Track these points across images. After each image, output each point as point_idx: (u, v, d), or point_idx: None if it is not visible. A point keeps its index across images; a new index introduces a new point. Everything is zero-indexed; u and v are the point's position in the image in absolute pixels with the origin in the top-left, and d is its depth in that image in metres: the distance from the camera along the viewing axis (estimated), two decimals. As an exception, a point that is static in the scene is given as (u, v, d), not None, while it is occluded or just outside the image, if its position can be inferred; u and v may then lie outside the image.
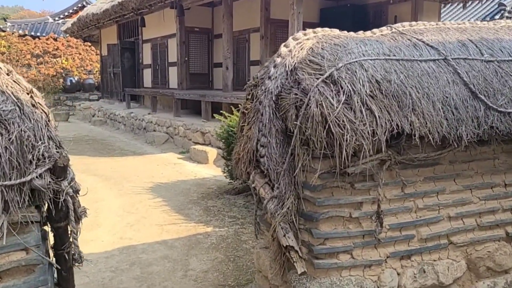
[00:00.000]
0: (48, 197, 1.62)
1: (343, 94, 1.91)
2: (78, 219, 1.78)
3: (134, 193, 5.87)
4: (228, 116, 5.70)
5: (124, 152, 9.10)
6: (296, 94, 2.07)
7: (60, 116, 15.02)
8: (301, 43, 2.25)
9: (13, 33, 20.18)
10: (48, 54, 20.50)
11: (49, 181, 1.55)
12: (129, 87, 14.30)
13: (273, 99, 2.21)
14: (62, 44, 21.06)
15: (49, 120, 1.69)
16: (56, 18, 24.58)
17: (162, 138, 10.03)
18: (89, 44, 21.65)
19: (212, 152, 7.92)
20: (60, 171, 1.56)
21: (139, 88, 14.14)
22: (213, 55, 12.36)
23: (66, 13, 24.76)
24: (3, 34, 19.92)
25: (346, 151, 1.82)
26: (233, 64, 9.86)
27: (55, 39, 21.13)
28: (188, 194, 5.86)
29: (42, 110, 1.66)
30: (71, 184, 1.69)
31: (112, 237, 4.32)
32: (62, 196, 1.60)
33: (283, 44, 2.34)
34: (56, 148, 1.67)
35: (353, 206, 2.11)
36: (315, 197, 2.05)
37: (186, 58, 11.84)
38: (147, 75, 14.02)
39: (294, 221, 2.08)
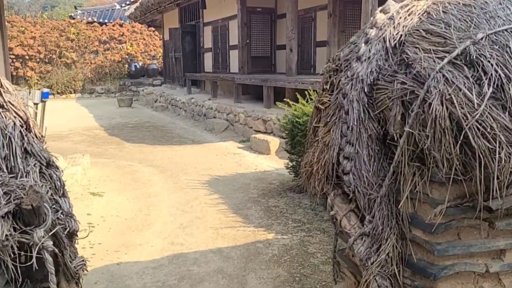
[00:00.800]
0: (9, 254, 1.05)
1: (489, 84, 1.17)
2: (73, 277, 1.21)
3: (190, 188, 5.42)
4: (293, 104, 5.02)
5: (183, 140, 8.74)
6: (403, 82, 1.36)
7: (123, 102, 15.12)
8: (409, 6, 1.52)
9: (81, 21, 20.70)
10: (114, 40, 20.85)
11: (8, 233, 1.00)
12: (190, 72, 14.01)
13: (365, 90, 1.52)
14: (127, 30, 21.32)
15: (29, 127, 1.14)
16: (123, 5, 24.98)
17: (222, 126, 9.57)
18: (153, 29, 21.75)
19: (274, 142, 7.30)
20: (29, 215, 1.00)
21: (199, 73, 13.81)
22: (276, 37, 11.65)
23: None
24: (72, 21, 20.50)
25: (497, 176, 1.10)
26: (297, 45, 9.10)
27: (121, 25, 21.43)
28: (247, 190, 5.30)
29: (16, 113, 1.11)
30: (56, 230, 1.11)
31: (162, 242, 3.85)
32: (35, 250, 1.03)
33: (380, 9, 1.63)
34: (42, 167, 1.11)
35: (490, 255, 1.38)
36: (432, 242, 1.35)
37: (248, 41, 11.24)
38: (208, 59, 13.63)
39: (397, 275, 1.40)
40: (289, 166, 5.05)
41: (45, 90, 4.90)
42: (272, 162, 6.77)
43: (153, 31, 21.78)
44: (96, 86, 19.44)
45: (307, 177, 1.93)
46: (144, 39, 21.62)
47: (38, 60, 18.33)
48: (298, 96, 5.16)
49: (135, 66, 20.35)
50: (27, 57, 17.87)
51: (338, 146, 1.61)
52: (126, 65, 20.46)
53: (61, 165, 5.55)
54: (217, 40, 12.81)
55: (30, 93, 4.89)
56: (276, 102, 6.27)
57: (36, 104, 4.75)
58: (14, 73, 17.79)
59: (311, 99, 4.71)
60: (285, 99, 5.63)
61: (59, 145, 8.31)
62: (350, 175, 1.56)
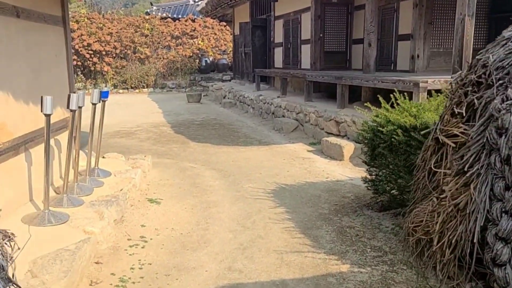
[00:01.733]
0: None
1: None
2: None
3: (253, 198, 4.90)
4: (374, 109, 4.29)
5: (249, 141, 8.27)
6: None
7: (192, 98, 15.05)
8: None
9: (156, 16, 21.07)
10: (186, 35, 20.99)
11: None
12: (260, 67, 13.55)
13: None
14: (199, 25, 21.38)
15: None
16: (196, 0, 25.19)
17: (291, 126, 8.97)
18: (224, 24, 21.64)
19: (349, 147, 6.58)
20: None
21: (269, 69, 13.31)
22: (353, 30, 10.80)
23: (204, -6, 25.22)
24: (147, 17, 20.92)
25: None
26: (376, 39, 8.24)
27: (193, 20, 21.54)
28: (317, 203, 4.67)
29: None
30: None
31: (218, 266, 3.36)
32: None
33: None
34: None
35: None
36: None
37: (321, 35, 10.52)
38: (278, 54, 13.07)
39: None
40: (368, 180, 4.34)
41: (105, 89, 4.62)
42: (346, 170, 6.06)
43: (224, 26, 21.65)
44: (168, 81, 19.68)
45: (415, 244, 1.28)
46: (215, 34, 21.57)
47: (114, 55, 18.89)
48: (380, 98, 4.42)
49: (206, 61, 20.34)
50: (104, 52, 18.47)
51: (485, 216, 0.96)
52: (197, 60, 20.52)
53: (122, 167, 5.30)
54: (288, 35, 12.20)
55: (92, 92, 4.63)
56: (354, 106, 5.54)
57: (94, 104, 4.47)
58: (92, 68, 18.49)
59: (397, 104, 3.97)
60: (365, 104, 4.90)
61: (125, 143, 8.21)
62: (508, 268, 0.90)
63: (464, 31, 5.76)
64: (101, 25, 18.81)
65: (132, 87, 18.82)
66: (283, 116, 9.78)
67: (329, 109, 8.20)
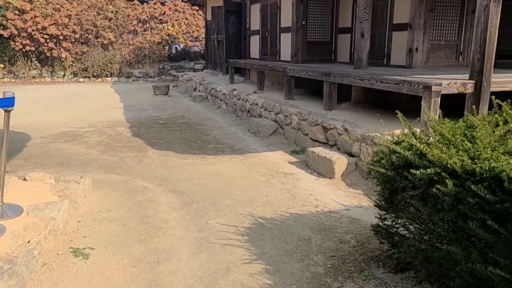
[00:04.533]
0: None
1: None
2: None
3: (221, 243, 3.62)
4: (405, 123, 3.02)
5: (220, 148, 6.96)
6: None
7: (159, 90, 13.56)
8: None
9: (121, -2, 19.29)
10: (155, 19, 19.33)
11: None
12: (234, 57, 12.19)
13: None
14: (169, 8, 19.74)
15: None
16: (166, -18, 23.41)
17: (269, 128, 7.70)
18: (197, 8, 20.09)
19: (341, 162, 5.36)
20: None
21: (244, 60, 11.95)
22: (338, 18, 9.54)
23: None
24: (111, -1, 19.12)
25: None
26: (370, 29, 7.01)
27: (163, 3, 19.87)
28: (308, 254, 3.44)
29: None
30: None
31: None
32: None
33: None
34: None
35: None
36: None
37: (304, 22, 9.24)
38: (255, 43, 11.73)
39: None
40: (379, 228, 3.11)
41: (9, 94, 3.22)
42: (339, 194, 4.85)
43: (197, 10, 20.10)
44: (134, 69, 18.04)
45: None
46: (187, 19, 19.97)
47: (73, 40, 17.09)
48: (399, 115, 3.11)
49: (176, 48, 18.78)
50: (61, 37, 16.64)
51: None
52: (167, 47, 18.93)
53: (43, 198, 3.92)
54: (266, 21, 10.86)
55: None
56: (382, 122, 4.28)
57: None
58: (48, 54, 16.67)
59: (427, 120, 2.74)
60: (378, 115, 3.65)
61: (68, 150, 6.77)
62: None
63: (489, 20, 4.58)
64: (59, 6, 16.93)
65: (94, 76, 17.12)
66: (260, 116, 8.50)
67: (314, 110, 6.97)
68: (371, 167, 2.79)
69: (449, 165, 2.19)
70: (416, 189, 2.45)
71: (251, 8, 11.70)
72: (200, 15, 19.68)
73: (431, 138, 2.68)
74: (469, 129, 2.53)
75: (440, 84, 4.65)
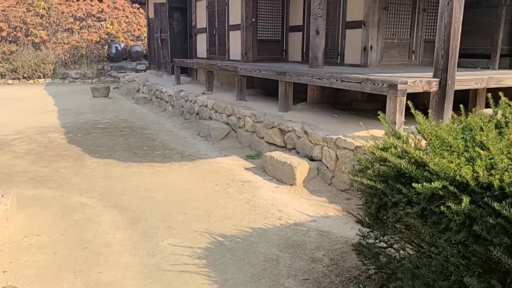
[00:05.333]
0: None
1: None
2: None
3: (175, 270, 3.08)
4: (408, 131, 2.65)
5: (168, 154, 6.35)
6: None
7: (98, 92, 12.61)
8: None
9: (54, -7, 17.94)
10: (92, 17, 18.17)
11: None
12: (179, 57, 11.56)
13: None
14: (108, 5, 18.65)
15: None
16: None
17: (221, 132, 7.19)
18: (138, 6, 19.10)
19: (302, 168, 4.97)
20: None
21: (191, 59, 11.35)
22: (289, 16, 9.22)
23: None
24: (43, -6, 17.72)
25: None
26: (325, 26, 6.70)
27: (100, 0, 18.71)
28: (277, 279, 2.98)
29: None
30: None
31: None
32: None
33: None
34: None
35: None
36: None
37: (253, 20, 8.82)
38: (202, 42, 11.16)
39: None
40: (361, 247, 2.72)
41: None
42: (302, 202, 4.45)
43: (138, 8, 19.13)
44: (70, 70, 16.80)
45: None
46: (127, 17, 18.96)
47: (0, 38, 15.58)
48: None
49: (116, 47, 17.73)
50: (-14, 34, 15.15)
51: None
52: (106, 47, 17.83)
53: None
54: (213, 19, 10.33)
55: None
56: (335, 115, 3.92)
57: None
58: (-29, 54, 15.10)
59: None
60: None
61: (-10, 161, 5.88)
62: None
63: (453, 16, 4.37)
64: (-18, 1, 15.40)
65: (24, 77, 15.71)
66: (210, 118, 7.97)
67: (269, 112, 6.55)
68: (354, 178, 2.38)
69: (458, 177, 1.81)
70: (411, 204, 2.06)
71: (197, 5, 11.11)
72: (142, 13, 18.75)
73: (422, 142, 2.32)
74: (468, 132, 2.19)
75: (406, 83, 4.38)
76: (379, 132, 4.84)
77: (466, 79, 4.82)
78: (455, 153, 2.00)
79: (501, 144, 1.89)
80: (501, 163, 1.78)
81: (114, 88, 14.45)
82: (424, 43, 7.55)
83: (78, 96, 12.88)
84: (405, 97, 4.43)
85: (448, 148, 2.05)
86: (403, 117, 4.49)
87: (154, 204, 4.36)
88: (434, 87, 4.57)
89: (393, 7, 7.17)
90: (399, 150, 2.24)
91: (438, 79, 4.56)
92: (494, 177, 1.72)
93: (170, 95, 10.01)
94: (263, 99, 7.95)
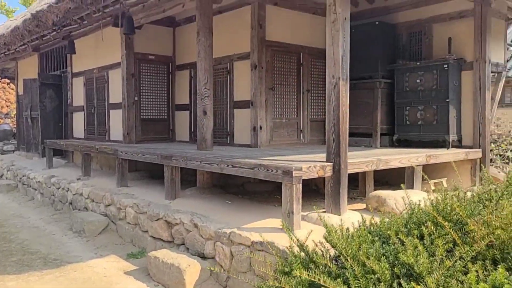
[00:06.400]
0: None
1: None
2: None
3: None
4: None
5: (27, 260, 5.15)
6: None
7: None
8: None
9: None
10: (-50, 92, 15.95)
11: None
12: (53, 137, 10.34)
13: None
14: (-29, 80, 16.63)
15: None
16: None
17: (98, 225, 6.18)
18: (7, 81, 17.42)
19: (192, 269, 4.25)
20: None
21: (66, 140, 10.20)
22: (175, 94, 8.84)
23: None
24: None
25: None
26: (213, 106, 6.37)
27: (-39, 74, 16.64)
28: None
29: None
30: None
31: None
32: None
33: None
34: None
35: None
36: None
37: (136, 98, 8.25)
38: (79, 121, 10.16)
39: None
40: None
41: None
42: (194, 316, 3.69)
43: (8, 84, 17.40)
44: None
45: None
46: (-6, 93, 17.05)
47: None
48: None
49: (-21, 126, 15.60)
50: None
51: None
52: (-34, 125, 15.59)
53: None
54: (92, 96, 9.52)
55: None
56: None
57: None
58: None
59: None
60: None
61: None
62: None
63: (340, 98, 4.29)
64: None
65: None
66: (86, 209, 6.90)
67: (154, 200, 5.81)
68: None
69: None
70: None
71: (73, 82, 10.22)
72: (12, 88, 17.04)
73: (331, 251, 1.86)
74: (387, 247, 1.78)
75: (301, 169, 4.07)
76: (275, 222, 4.41)
77: (358, 162, 4.71)
78: (381, 283, 1.54)
79: (436, 274, 1.47)
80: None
81: (-28, 173, 12.35)
82: (311, 122, 7.64)
83: None
84: (301, 184, 4.10)
85: (372, 276, 1.59)
86: (300, 205, 4.13)
87: None
88: (328, 172, 4.34)
89: (279, 88, 7.19)
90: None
91: (332, 163, 4.35)
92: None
93: (39, 181, 8.68)
94: (148, 183, 7.18)
